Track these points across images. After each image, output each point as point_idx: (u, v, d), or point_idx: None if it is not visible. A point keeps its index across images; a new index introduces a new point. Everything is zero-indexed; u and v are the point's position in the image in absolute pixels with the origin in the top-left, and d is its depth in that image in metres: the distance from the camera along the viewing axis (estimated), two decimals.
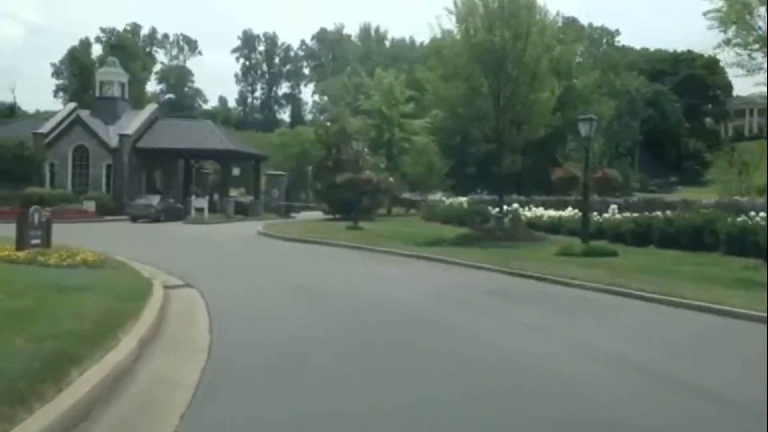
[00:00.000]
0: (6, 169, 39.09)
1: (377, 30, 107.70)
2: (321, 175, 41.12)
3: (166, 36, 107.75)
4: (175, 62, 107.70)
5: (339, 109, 43.37)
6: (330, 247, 23.55)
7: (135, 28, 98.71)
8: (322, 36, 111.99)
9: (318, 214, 43.71)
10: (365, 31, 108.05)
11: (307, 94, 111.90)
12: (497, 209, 26.71)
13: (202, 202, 41.42)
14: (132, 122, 45.90)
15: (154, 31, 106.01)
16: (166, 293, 10.79)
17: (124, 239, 26.02)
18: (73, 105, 47.06)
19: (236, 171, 43.95)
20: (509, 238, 23.96)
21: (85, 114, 46.25)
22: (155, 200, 41.19)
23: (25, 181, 40.89)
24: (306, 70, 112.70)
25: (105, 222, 38.65)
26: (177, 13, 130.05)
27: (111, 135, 45.11)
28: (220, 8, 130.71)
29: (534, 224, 27.36)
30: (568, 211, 26.69)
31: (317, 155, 43.39)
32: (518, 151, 27.13)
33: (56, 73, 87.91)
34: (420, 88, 32.63)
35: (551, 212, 28.09)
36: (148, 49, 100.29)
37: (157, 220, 38.88)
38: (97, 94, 47.50)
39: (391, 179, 40.46)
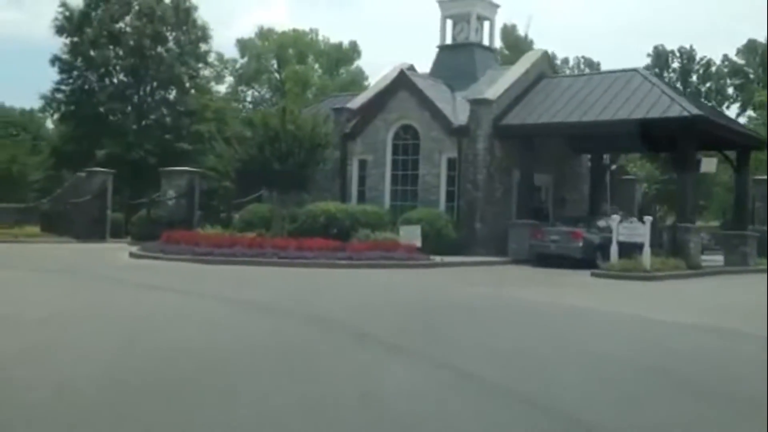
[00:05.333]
0: (258, 160, 20.59)
1: None
2: None
3: (565, 60, 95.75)
4: None
5: None
6: None
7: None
8: (750, 47, 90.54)
9: None
10: None
11: (731, 115, 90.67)
12: None
13: (637, 231, 18.19)
14: (495, 84, 24.82)
15: (553, 56, 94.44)
16: None
17: None
18: (407, 64, 27.59)
19: (710, 166, 19.87)
20: None
21: (418, 75, 26.62)
22: (583, 227, 21.09)
23: (303, 185, 22.25)
24: (730, 90, 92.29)
25: (425, 269, 18.49)
26: (580, 35, 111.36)
27: (458, 107, 24.71)
28: (627, 24, 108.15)
29: None
30: None
31: None
32: None
33: None
34: None
35: None
36: None
37: (590, 263, 18.96)
38: (440, 41, 27.40)
39: None
